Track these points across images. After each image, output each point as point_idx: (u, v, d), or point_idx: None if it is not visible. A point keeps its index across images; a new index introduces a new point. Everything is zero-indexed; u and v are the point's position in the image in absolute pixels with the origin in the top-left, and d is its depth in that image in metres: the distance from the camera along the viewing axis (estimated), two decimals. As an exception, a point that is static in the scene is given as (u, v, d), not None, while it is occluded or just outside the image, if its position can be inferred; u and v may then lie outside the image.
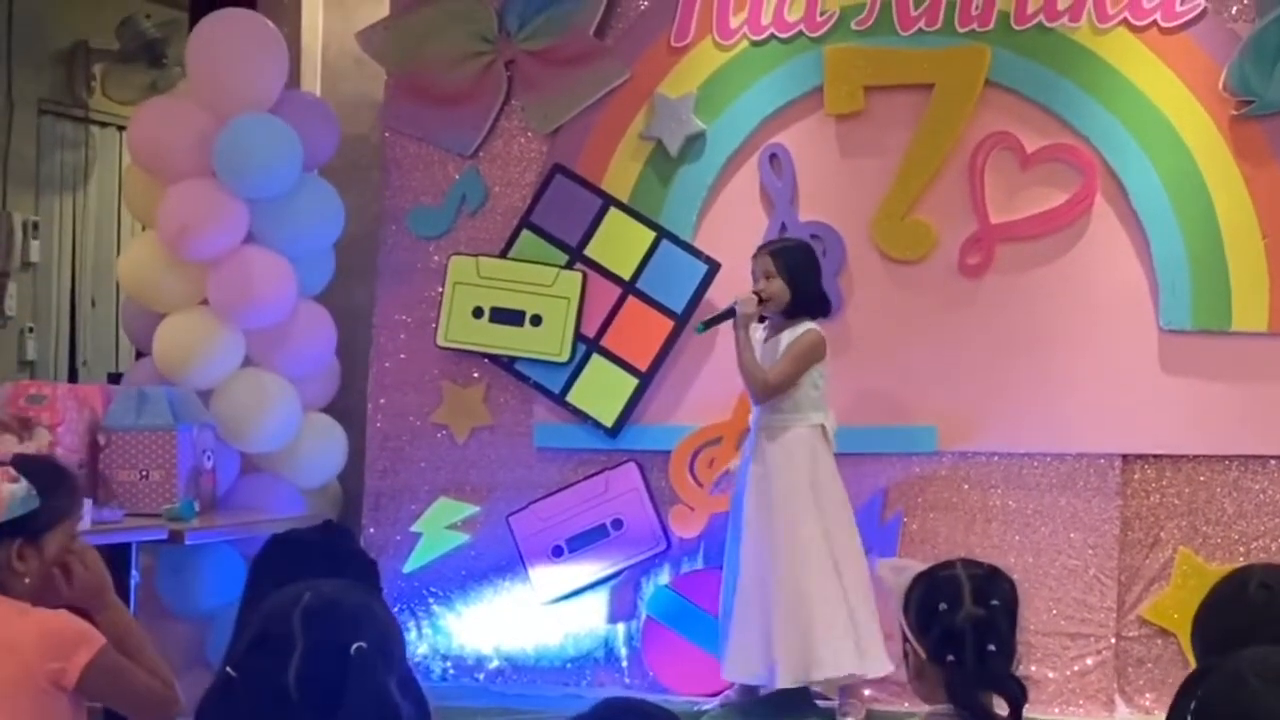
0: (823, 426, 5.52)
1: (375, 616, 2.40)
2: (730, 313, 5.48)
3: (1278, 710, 2.14)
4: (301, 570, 2.68)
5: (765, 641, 5.41)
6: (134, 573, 5.23)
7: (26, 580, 3.20)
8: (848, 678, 5.42)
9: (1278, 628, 2.66)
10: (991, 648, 2.77)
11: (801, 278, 5.59)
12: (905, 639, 2.90)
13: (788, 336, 5.54)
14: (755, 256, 5.64)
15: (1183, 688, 2.29)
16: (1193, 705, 2.22)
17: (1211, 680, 2.25)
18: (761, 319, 5.66)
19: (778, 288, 5.54)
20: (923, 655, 2.84)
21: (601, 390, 6.31)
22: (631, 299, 6.31)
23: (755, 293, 5.52)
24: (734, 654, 5.52)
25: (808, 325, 5.55)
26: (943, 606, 2.82)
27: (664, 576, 6.24)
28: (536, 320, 6.34)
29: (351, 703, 2.27)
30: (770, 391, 5.47)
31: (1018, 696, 2.78)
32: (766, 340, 5.60)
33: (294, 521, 5.15)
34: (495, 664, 6.36)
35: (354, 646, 2.31)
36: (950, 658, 2.78)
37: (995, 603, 2.81)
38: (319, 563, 3.01)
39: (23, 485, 3.16)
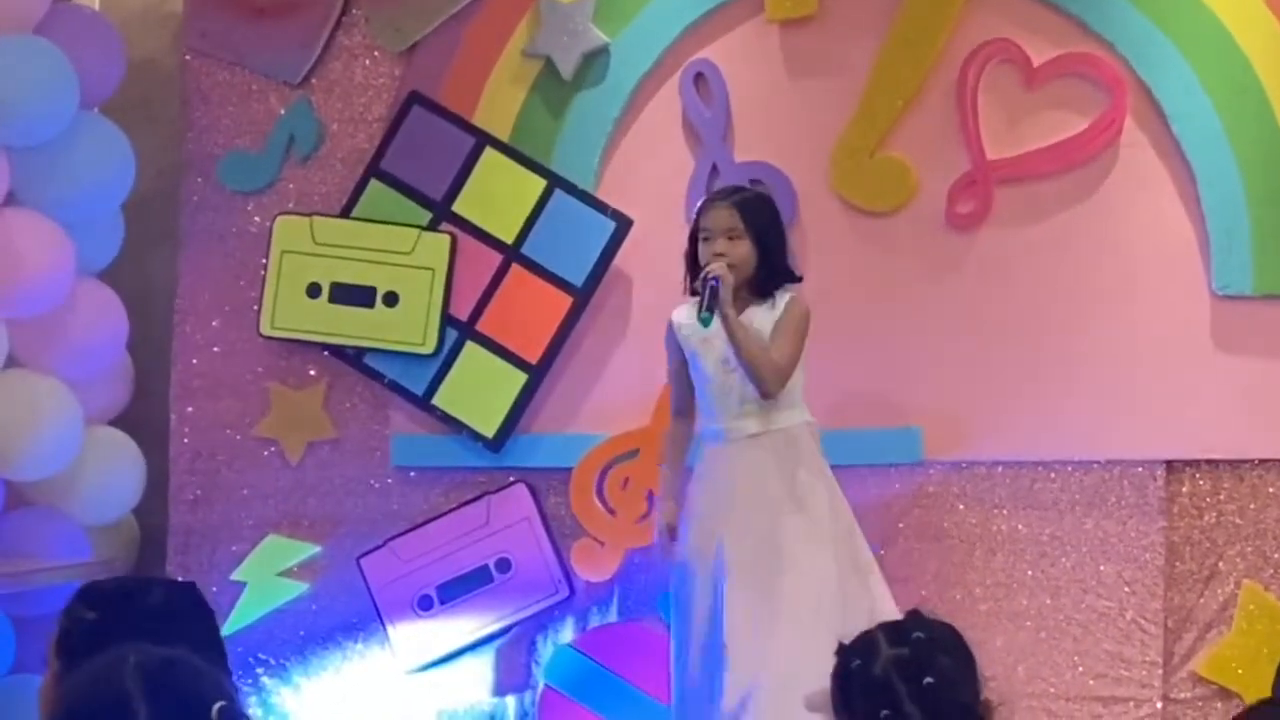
0: (811, 422, 5.17)
1: (219, 676, 2.37)
2: (714, 293, 4.93)
3: None
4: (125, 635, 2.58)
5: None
6: None
7: None
8: None
9: None
10: (929, 680, 2.69)
11: (770, 239, 5.12)
12: None
13: (764, 312, 5.08)
14: (708, 209, 5.14)
15: None
16: None
17: None
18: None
19: (744, 252, 5.04)
20: None
21: (479, 390, 5.90)
22: (516, 268, 5.90)
23: (717, 256, 5.02)
24: None
25: (787, 291, 5.16)
26: (857, 664, 2.77)
27: (566, 633, 5.88)
28: (391, 299, 5.95)
29: None
30: (784, 379, 5.00)
31: None
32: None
33: (80, 570, 5.40)
34: (345, 752, 6.04)
35: (216, 706, 2.25)
36: (885, 713, 2.69)
37: (919, 635, 2.76)
38: (144, 625, 2.91)
39: None
